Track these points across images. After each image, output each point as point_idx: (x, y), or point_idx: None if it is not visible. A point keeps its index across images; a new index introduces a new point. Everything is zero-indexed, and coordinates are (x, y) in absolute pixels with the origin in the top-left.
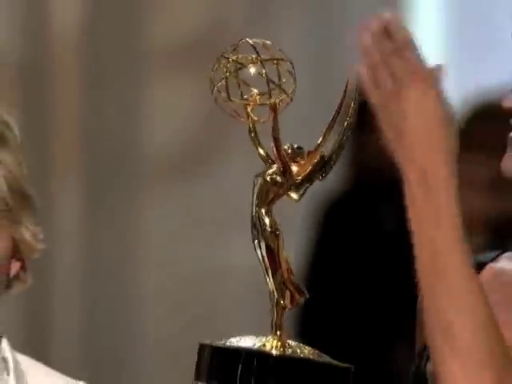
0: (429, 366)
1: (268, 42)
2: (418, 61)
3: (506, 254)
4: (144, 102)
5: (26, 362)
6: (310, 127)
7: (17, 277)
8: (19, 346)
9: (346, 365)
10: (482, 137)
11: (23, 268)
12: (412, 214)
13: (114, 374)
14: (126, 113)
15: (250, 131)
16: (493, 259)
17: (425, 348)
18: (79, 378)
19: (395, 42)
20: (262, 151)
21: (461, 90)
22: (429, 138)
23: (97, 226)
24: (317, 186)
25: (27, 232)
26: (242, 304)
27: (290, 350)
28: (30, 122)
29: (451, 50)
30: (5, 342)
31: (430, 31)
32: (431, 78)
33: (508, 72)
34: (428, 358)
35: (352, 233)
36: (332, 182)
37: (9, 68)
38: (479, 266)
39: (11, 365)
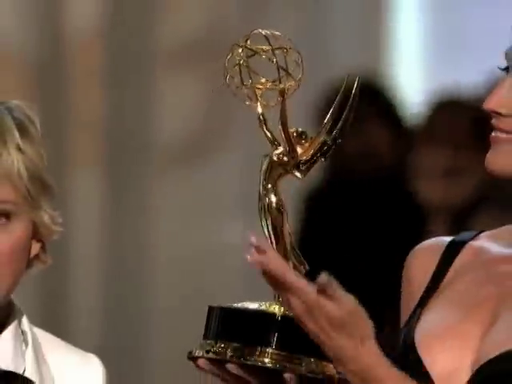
0: (417, 332)
1: (278, 33)
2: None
3: (484, 233)
4: (155, 98)
5: (43, 336)
6: (314, 114)
7: (37, 257)
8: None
9: None
10: (439, 130)
11: (43, 249)
12: None
13: (130, 352)
14: (138, 108)
15: (259, 115)
16: (472, 238)
17: (411, 317)
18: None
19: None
20: (269, 134)
21: (436, 87)
22: (361, 355)
23: (112, 212)
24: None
25: (46, 216)
26: (240, 278)
27: (291, 313)
28: (48, 117)
29: (430, 48)
30: (24, 318)
31: (409, 30)
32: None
33: (479, 71)
34: (416, 324)
35: (332, 217)
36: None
37: (27, 67)
38: (460, 244)
39: (29, 338)
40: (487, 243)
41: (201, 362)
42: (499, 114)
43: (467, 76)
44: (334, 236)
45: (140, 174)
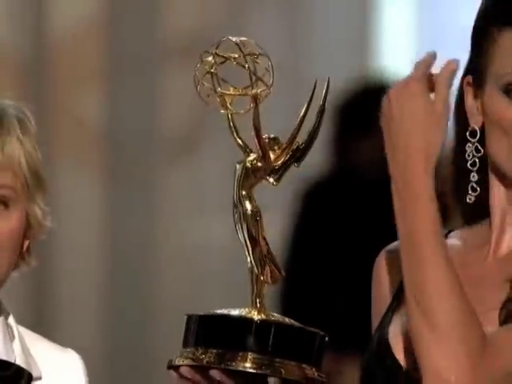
0: (390, 331)
1: (246, 39)
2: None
3: (453, 233)
4: (147, 96)
5: (24, 331)
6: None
7: (22, 256)
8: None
9: (320, 332)
10: None
11: (28, 249)
12: (395, 209)
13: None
14: (129, 105)
15: (229, 122)
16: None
17: (384, 318)
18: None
19: None
20: (240, 141)
21: None
22: (408, 140)
23: (104, 210)
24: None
25: (39, 210)
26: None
27: (272, 318)
28: (38, 115)
29: (418, 43)
30: (7, 310)
31: (396, 26)
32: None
33: None
34: (388, 325)
35: (332, 214)
36: (315, 166)
37: (16, 66)
38: None
39: (15, 330)
40: (456, 243)
41: (184, 369)
42: None
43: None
44: (335, 226)
45: (132, 171)
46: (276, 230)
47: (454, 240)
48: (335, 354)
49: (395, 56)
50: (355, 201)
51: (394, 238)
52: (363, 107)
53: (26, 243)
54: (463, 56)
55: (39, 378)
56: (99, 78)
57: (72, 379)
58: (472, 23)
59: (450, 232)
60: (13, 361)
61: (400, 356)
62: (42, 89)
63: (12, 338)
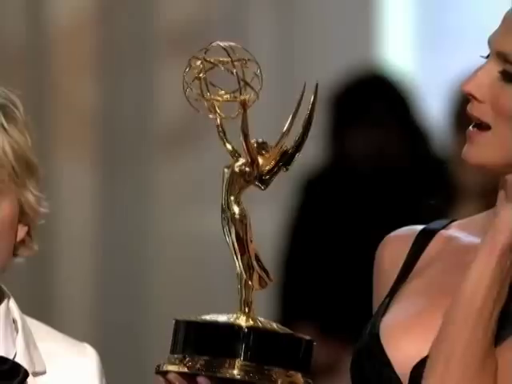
0: (382, 322)
1: (235, 44)
2: None
3: (456, 222)
4: (146, 85)
5: (35, 324)
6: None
7: (23, 243)
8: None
9: (307, 337)
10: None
11: (29, 235)
12: None
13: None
14: (129, 95)
15: (218, 128)
16: (444, 227)
17: (380, 306)
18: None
19: None
20: (229, 146)
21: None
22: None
23: (103, 199)
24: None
25: (32, 196)
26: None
27: (260, 325)
28: (38, 104)
29: (422, 38)
30: (12, 303)
31: (399, 23)
32: None
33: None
34: (381, 316)
35: (330, 206)
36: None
37: (20, 52)
38: (431, 234)
39: (20, 324)
40: (458, 232)
41: (171, 376)
42: (474, 98)
43: (460, 62)
44: (334, 222)
45: (131, 160)
46: (273, 222)
47: (454, 229)
48: (336, 345)
49: (396, 49)
50: (353, 192)
51: (393, 228)
52: (361, 99)
53: (25, 229)
54: (463, 48)
55: (43, 373)
56: (95, 68)
57: (82, 375)
58: (473, 18)
59: (452, 221)
60: (12, 355)
61: (389, 350)
62: (39, 78)
63: (16, 332)
